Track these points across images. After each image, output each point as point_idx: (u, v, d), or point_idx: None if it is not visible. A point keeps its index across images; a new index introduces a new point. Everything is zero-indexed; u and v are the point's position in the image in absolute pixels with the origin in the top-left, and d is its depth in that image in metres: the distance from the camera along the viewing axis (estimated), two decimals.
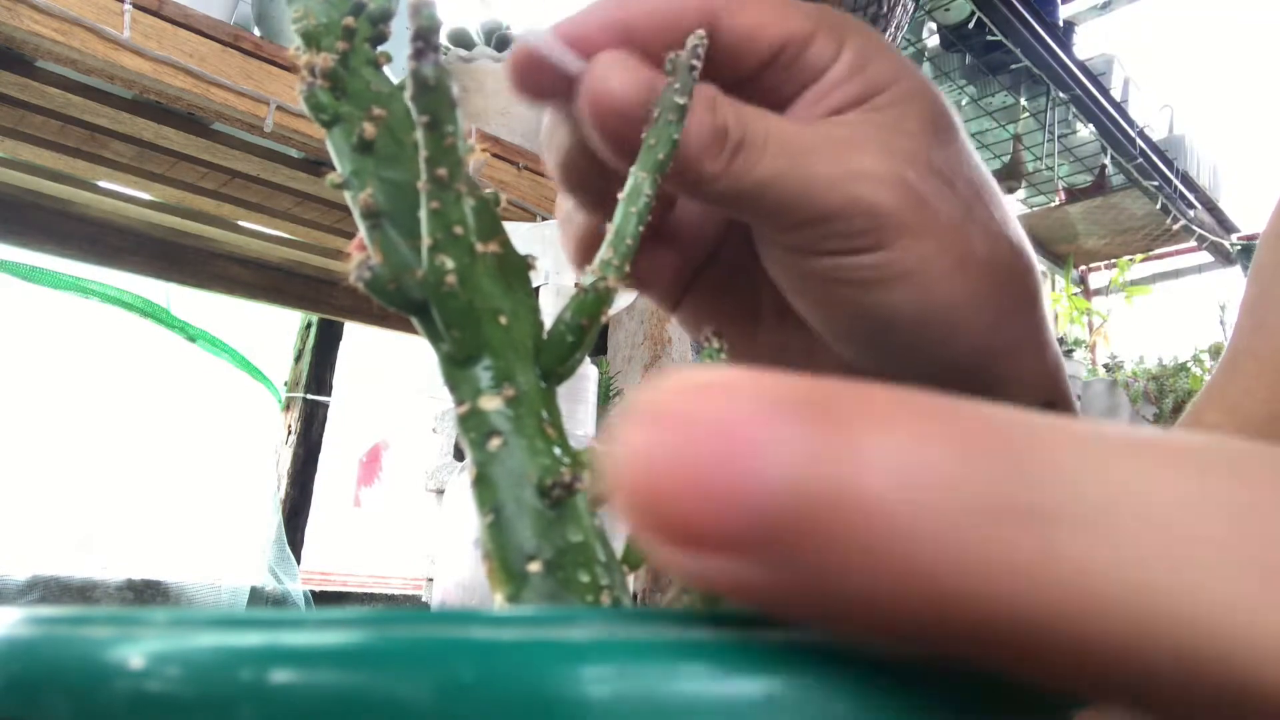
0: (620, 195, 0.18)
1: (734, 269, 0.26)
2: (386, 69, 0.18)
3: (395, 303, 0.16)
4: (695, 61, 0.19)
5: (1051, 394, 0.25)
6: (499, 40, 1.30)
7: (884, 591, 0.07)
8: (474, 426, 0.16)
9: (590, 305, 0.17)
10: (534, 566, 0.14)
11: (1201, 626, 0.07)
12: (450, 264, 0.15)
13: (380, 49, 0.18)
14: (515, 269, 0.17)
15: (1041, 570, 0.07)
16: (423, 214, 0.15)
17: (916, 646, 0.08)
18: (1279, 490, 0.08)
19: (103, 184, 1.38)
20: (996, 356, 0.23)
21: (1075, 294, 3.15)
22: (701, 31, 0.20)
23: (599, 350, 1.38)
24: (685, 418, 0.07)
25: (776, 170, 0.20)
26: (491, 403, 0.16)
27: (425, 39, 0.14)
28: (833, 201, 0.20)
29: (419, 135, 0.15)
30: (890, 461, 0.07)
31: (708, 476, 0.07)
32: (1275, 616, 0.07)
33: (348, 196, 0.17)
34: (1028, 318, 0.23)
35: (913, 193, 0.21)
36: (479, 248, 0.16)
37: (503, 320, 0.16)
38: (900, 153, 0.21)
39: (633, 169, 0.18)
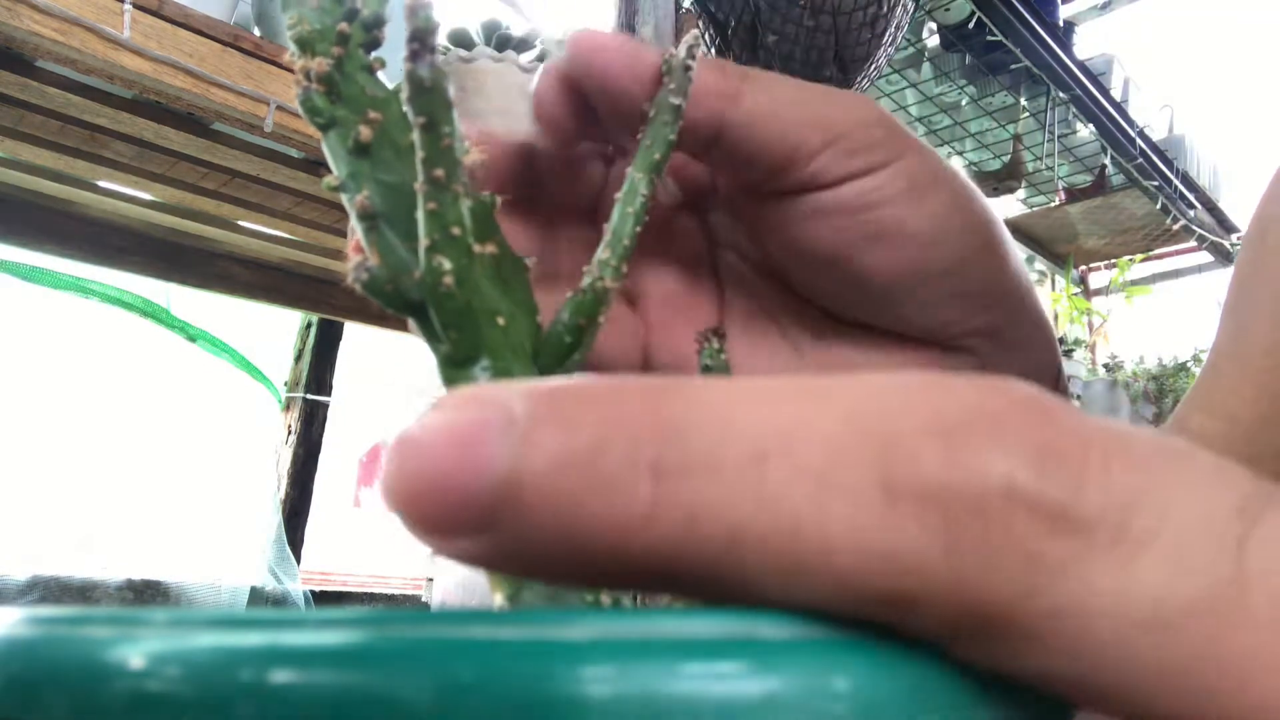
0: (616, 196, 0.18)
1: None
2: (381, 74, 0.18)
3: (393, 304, 0.16)
4: (691, 62, 0.19)
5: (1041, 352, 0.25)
6: (499, 40, 1.30)
7: (560, 547, 0.10)
8: None
9: (588, 305, 0.17)
10: None
11: (773, 539, 0.09)
12: (448, 265, 0.15)
13: (374, 54, 0.18)
14: (513, 269, 0.17)
15: (648, 516, 0.09)
16: (420, 215, 0.15)
17: (606, 586, 0.10)
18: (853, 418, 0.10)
19: (103, 184, 1.38)
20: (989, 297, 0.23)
21: (1075, 294, 3.14)
22: (696, 32, 0.20)
23: None
24: (431, 432, 0.10)
25: (789, 94, 0.21)
26: None
27: (421, 40, 0.14)
28: (847, 117, 0.21)
29: (415, 137, 0.15)
30: (549, 453, 0.09)
31: (440, 483, 0.09)
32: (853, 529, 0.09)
33: (344, 199, 0.17)
34: (1003, 263, 0.23)
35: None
36: (476, 249, 0.16)
37: (500, 321, 0.16)
38: None
39: (629, 169, 0.18)
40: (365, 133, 0.17)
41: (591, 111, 0.21)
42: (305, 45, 0.17)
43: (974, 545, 0.09)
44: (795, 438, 0.10)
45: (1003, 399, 0.10)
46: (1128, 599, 0.09)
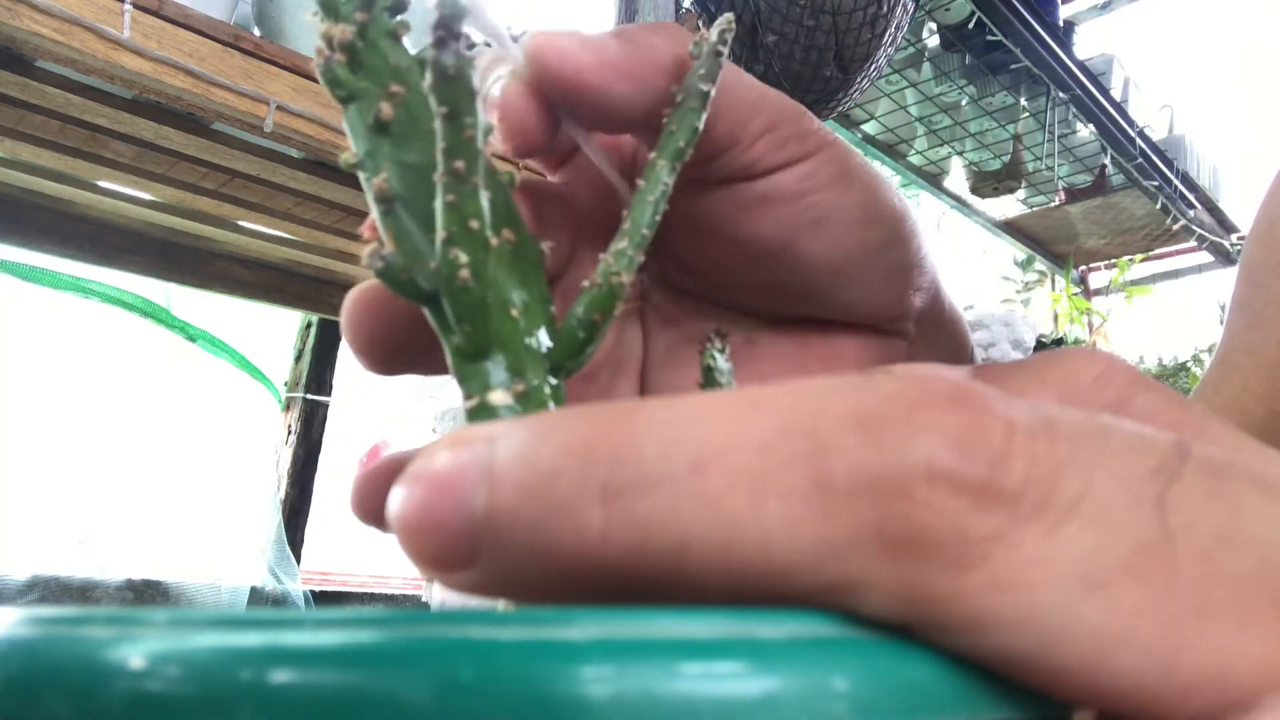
0: (640, 181, 0.18)
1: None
2: (404, 39, 0.18)
3: (407, 292, 0.15)
4: (722, 46, 0.18)
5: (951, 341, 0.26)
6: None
7: (535, 571, 0.10)
8: (482, 421, 0.15)
9: (603, 300, 0.17)
10: None
11: (715, 545, 0.10)
12: (464, 258, 0.15)
13: (398, 18, 0.17)
14: (529, 259, 0.17)
15: (603, 534, 0.10)
16: (438, 206, 0.15)
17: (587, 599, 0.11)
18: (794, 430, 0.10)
19: (103, 184, 1.38)
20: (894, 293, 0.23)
21: (1075, 294, 3.14)
22: (730, 16, 0.19)
23: None
24: (419, 480, 0.11)
25: (729, 77, 0.20)
26: (500, 398, 0.15)
27: (448, 27, 0.14)
28: (780, 108, 0.21)
29: (437, 126, 0.14)
30: (513, 486, 0.10)
31: (429, 524, 0.10)
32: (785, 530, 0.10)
33: (362, 179, 0.16)
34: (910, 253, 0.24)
35: None
36: (493, 240, 0.16)
37: (514, 313, 0.16)
38: None
39: (651, 155, 0.18)
40: (386, 110, 0.16)
41: (557, 117, 0.20)
42: (330, 8, 0.17)
43: (903, 526, 0.10)
44: (732, 446, 0.10)
45: (922, 389, 0.10)
46: (1059, 564, 0.10)
